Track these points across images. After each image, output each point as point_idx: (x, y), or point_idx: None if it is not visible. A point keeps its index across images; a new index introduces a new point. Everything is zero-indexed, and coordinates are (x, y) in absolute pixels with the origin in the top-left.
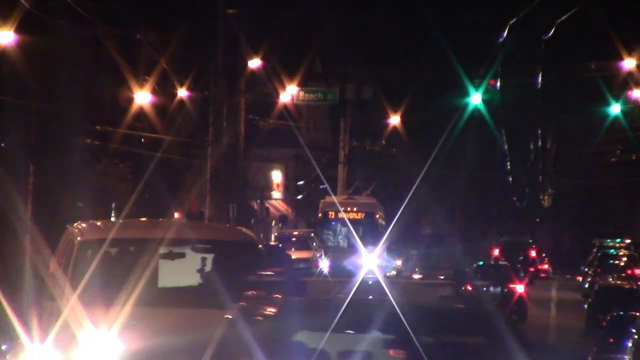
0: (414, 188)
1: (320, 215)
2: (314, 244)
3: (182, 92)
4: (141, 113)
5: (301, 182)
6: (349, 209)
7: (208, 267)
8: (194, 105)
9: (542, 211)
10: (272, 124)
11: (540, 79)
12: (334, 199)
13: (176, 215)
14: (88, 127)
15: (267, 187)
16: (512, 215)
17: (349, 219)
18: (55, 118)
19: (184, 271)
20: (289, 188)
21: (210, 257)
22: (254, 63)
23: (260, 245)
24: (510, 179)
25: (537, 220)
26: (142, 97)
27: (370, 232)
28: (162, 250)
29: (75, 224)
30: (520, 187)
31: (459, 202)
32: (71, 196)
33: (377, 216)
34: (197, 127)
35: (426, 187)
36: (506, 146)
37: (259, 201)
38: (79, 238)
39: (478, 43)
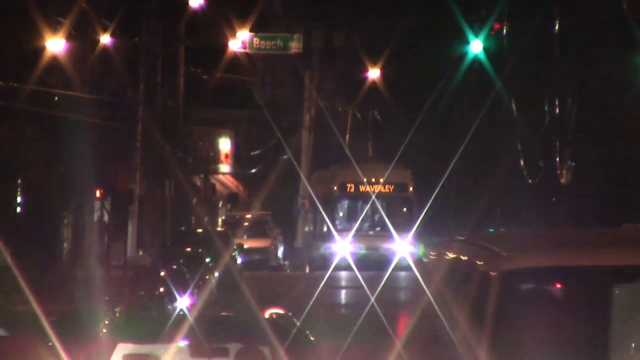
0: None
1: (335, 188)
2: (272, 229)
3: (106, 39)
4: (54, 65)
5: (256, 152)
6: (373, 179)
7: None
8: (120, 55)
9: (559, 189)
10: (220, 79)
11: (557, 22)
12: (355, 166)
13: (97, 193)
14: None
15: (213, 158)
16: (522, 194)
17: (375, 193)
18: None
19: None
20: (240, 159)
21: None
22: (196, 1)
23: (200, 230)
24: (520, 148)
25: (553, 200)
26: (55, 45)
27: (402, 211)
28: None
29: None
30: (533, 158)
31: (455, 177)
32: None
33: (411, 190)
34: (124, 83)
35: (414, 158)
36: (514, 107)
37: (202, 176)
38: (487, 264)
39: None
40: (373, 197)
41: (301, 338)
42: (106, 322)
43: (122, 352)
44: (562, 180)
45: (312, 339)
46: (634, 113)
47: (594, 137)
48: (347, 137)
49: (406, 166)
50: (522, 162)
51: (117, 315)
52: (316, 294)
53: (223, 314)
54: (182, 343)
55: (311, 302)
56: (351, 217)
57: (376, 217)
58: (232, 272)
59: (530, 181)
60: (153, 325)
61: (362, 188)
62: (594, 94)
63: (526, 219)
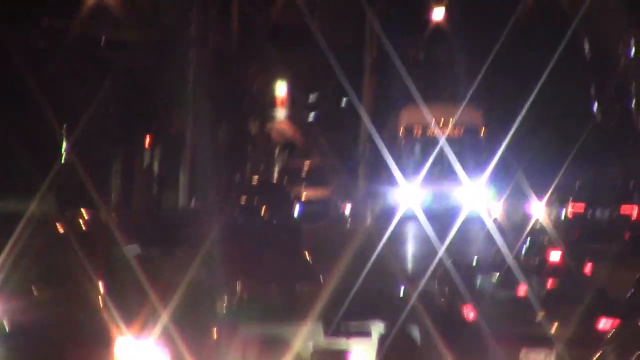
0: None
1: (400, 130)
2: (332, 178)
3: None
4: (101, 3)
5: (314, 96)
6: (442, 121)
7: None
8: None
9: (636, 134)
10: (275, 19)
11: None
12: (422, 107)
13: (147, 139)
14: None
15: (269, 102)
16: (596, 140)
17: (444, 135)
18: None
19: None
20: (297, 104)
21: None
22: None
23: (255, 179)
24: (593, 90)
25: (630, 144)
26: None
27: (473, 156)
28: None
29: None
30: (609, 100)
31: (527, 123)
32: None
33: (482, 131)
34: (175, 24)
35: (486, 98)
36: (587, 47)
37: (257, 121)
38: None
39: None
40: (442, 140)
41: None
42: (227, 301)
43: (245, 335)
44: None
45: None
46: None
47: None
48: (411, 79)
49: (477, 107)
50: (595, 106)
51: (237, 293)
52: (379, 247)
53: (361, 287)
54: (315, 323)
55: (374, 256)
56: (418, 162)
57: (445, 162)
58: (290, 223)
59: (605, 125)
60: (278, 303)
61: (429, 131)
62: None
63: (602, 164)
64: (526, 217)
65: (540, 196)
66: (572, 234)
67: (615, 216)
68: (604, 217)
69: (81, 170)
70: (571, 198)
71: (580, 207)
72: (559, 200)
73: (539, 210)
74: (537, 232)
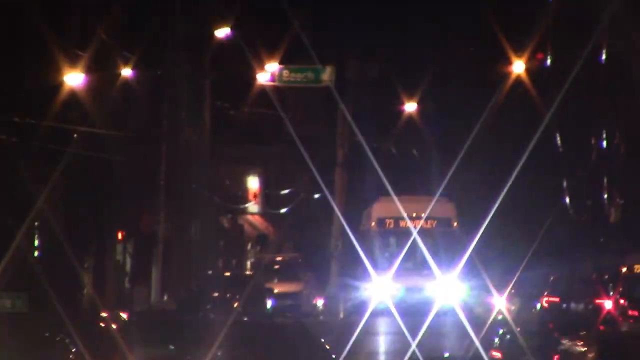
0: None
1: (373, 224)
2: (304, 272)
3: (127, 72)
4: (73, 100)
5: (286, 191)
6: (414, 214)
7: None
8: (143, 89)
9: (608, 228)
10: (248, 114)
11: (604, 52)
12: (395, 200)
13: (119, 236)
14: (1, 117)
15: (241, 197)
16: (568, 234)
17: (416, 228)
18: None
19: None
20: (269, 199)
21: None
22: (223, 32)
23: (228, 274)
24: (565, 185)
25: (601, 240)
26: (74, 79)
27: (446, 249)
28: None
29: None
30: (579, 196)
31: (498, 216)
32: None
33: (455, 224)
34: (147, 119)
35: (458, 191)
36: (559, 141)
37: (229, 216)
38: None
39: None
40: (414, 233)
41: None
42: None
43: None
44: (611, 219)
45: None
46: None
47: None
48: (384, 174)
49: (450, 199)
50: (567, 200)
51: None
52: (351, 341)
53: None
54: None
55: (346, 350)
56: (390, 256)
57: (418, 255)
58: (262, 317)
59: (577, 220)
60: None
61: (402, 224)
62: None
63: (573, 260)
64: (496, 310)
65: (511, 288)
66: (545, 325)
67: (589, 308)
68: (579, 310)
69: (54, 266)
70: (546, 292)
71: (554, 299)
72: (533, 292)
73: (507, 303)
74: (508, 324)
